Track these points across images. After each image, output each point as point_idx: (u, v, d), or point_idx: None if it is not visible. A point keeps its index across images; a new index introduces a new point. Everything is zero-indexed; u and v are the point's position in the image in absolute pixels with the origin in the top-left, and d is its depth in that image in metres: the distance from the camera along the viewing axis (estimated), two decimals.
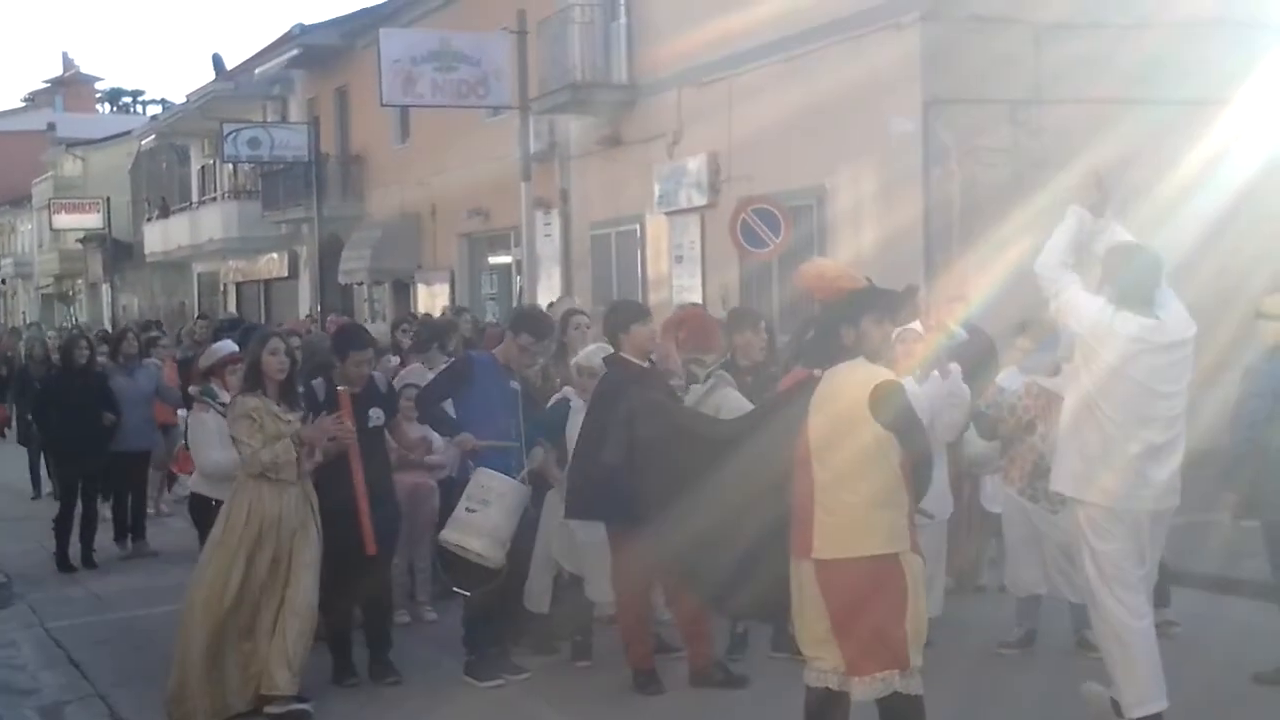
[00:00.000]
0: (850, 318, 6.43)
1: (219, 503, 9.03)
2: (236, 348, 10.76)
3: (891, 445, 6.27)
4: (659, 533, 6.83)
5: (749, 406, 8.55)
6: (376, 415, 9.31)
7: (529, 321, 9.68)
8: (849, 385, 6.32)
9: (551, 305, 19.11)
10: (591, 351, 9.52)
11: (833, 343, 6.48)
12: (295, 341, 10.48)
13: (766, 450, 6.47)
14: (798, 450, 6.39)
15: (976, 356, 9.97)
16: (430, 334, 12.54)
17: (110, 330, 24.67)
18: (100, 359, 14.67)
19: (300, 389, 9.12)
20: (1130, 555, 7.41)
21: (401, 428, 9.91)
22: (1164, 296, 7.39)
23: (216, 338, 13.45)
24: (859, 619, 6.26)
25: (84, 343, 14.83)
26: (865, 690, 6.30)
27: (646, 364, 8.99)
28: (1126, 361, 7.21)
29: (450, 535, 9.04)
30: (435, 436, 10.28)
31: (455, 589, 10.96)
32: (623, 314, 9.21)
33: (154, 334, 19.32)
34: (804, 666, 6.55)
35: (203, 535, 9.23)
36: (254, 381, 8.78)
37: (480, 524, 8.94)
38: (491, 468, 9.05)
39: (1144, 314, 7.24)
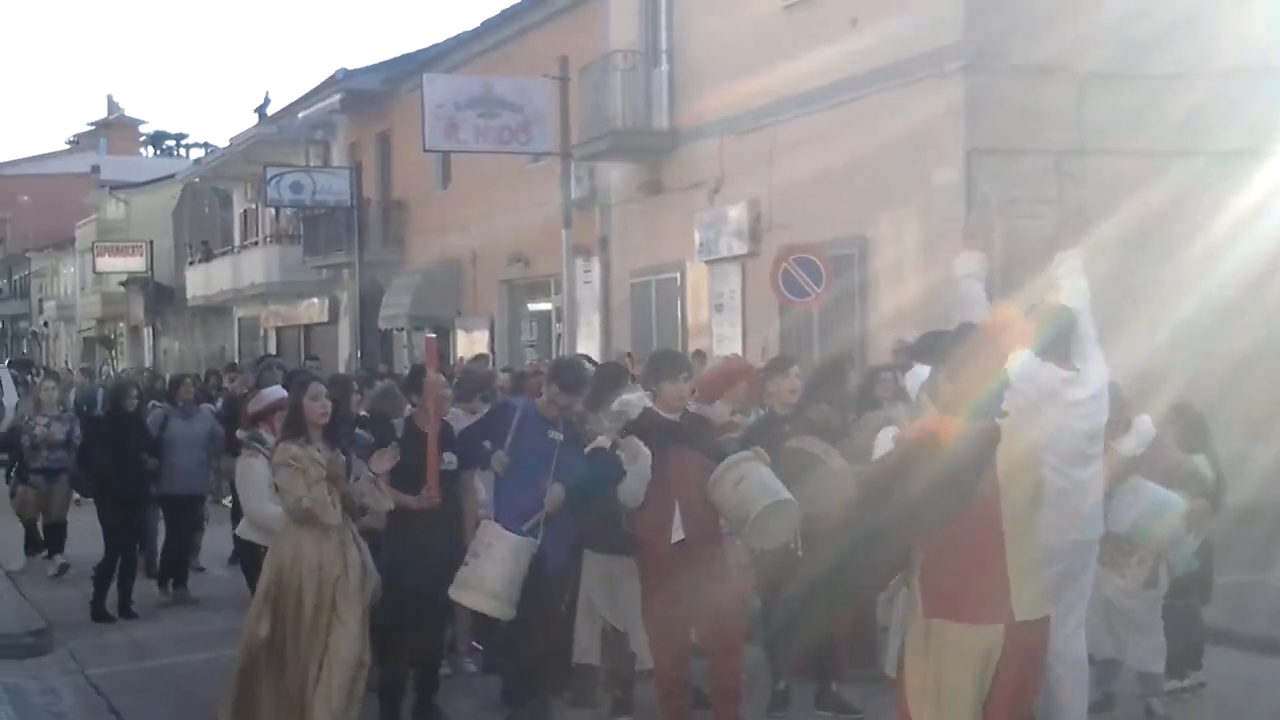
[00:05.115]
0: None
1: (267, 549, 9.02)
2: (285, 393, 10.77)
3: None
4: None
5: (773, 484, 8.45)
6: (450, 459, 9.33)
7: (560, 373, 9.65)
8: (1023, 442, 6.20)
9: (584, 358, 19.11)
10: (630, 402, 9.49)
11: (997, 395, 6.20)
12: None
13: (929, 508, 5.91)
14: (981, 507, 5.91)
15: None
16: (473, 384, 12.59)
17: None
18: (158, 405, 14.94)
19: (365, 430, 9.12)
20: None
21: (471, 484, 9.80)
22: (1087, 349, 8.01)
23: (261, 378, 13.45)
24: (1027, 684, 6.05)
25: (134, 390, 14.95)
26: None
27: (677, 418, 8.89)
28: (1047, 405, 7.67)
29: (450, 590, 9.10)
30: (481, 486, 10.24)
31: (474, 643, 10.97)
32: (657, 369, 9.19)
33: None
34: None
35: (251, 580, 9.21)
36: (296, 428, 8.63)
37: (468, 577, 8.97)
38: (517, 509, 9.05)
39: (1064, 366, 7.87)
